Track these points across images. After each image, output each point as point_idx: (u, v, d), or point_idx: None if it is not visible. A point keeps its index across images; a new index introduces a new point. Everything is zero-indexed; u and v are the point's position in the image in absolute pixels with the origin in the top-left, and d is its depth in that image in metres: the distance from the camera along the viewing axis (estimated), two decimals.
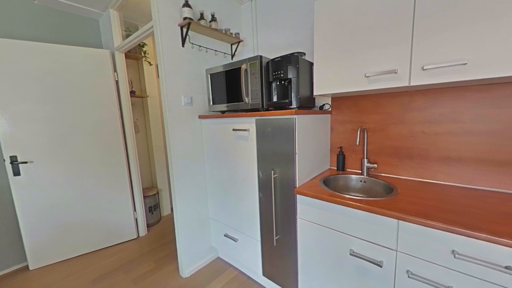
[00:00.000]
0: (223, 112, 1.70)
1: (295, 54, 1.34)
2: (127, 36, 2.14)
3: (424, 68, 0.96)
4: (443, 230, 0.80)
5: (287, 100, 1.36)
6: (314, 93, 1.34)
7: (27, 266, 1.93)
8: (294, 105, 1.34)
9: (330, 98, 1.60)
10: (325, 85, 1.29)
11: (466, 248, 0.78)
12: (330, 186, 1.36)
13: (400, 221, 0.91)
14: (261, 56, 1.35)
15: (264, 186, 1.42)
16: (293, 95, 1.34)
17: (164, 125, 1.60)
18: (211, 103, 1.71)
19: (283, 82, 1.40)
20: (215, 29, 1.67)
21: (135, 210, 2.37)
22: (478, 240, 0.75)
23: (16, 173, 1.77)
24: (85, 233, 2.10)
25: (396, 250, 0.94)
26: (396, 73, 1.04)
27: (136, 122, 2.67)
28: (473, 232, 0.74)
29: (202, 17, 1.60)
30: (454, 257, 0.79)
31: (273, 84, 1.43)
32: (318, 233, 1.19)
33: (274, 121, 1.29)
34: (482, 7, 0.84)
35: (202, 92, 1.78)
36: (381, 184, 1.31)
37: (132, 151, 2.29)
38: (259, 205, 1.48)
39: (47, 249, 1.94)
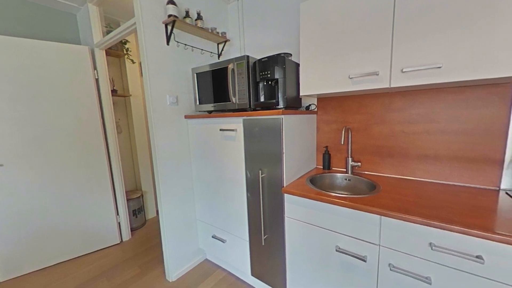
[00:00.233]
0: (210, 112, 1.68)
1: (282, 54, 1.35)
2: (108, 32, 2.05)
3: (403, 70, 1.01)
4: (421, 224, 0.85)
5: (274, 100, 1.37)
6: (301, 94, 1.36)
7: None
8: (281, 105, 1.35)
9: (316, 99, 1.64)
10: (311, 86, 1.31)
11: (442, 240, 0.83)
12: (316, 185, 1.39)
13: (382, 216, 0.95)
14: (248, 56, 1.35)
15: (252, 186, 1.42)
16: (280, 95, 1.35)
17: (149, 125, 1.56)
18: (198, 103, 1.68)
19: (270, 82, 1.41)
20: (201, 27, 1.65)
21: (118, 214, 2.27)
22: (452, 233, 0.80)
23: None
24: (63, 240, 1.98)
25: (379, 245, 0.97)
26: (377, 75, 1.08)
27: (118, 122, 2.56)
28: (448, 225, 0.79)
29: (187, 15, 1.57)
30: (431, 249, 0.84)
31: (260, 84, 1.43)
32: (305, 231, 1.21)
33: (262, 121, 1.29)
34: (454, 16, 0.89)
35: (188, 91, 1.75)
36: (364, 182, 1.36)
37: (114, 152, 2.20)
38: (247, 205, 1.48)
39: (20, 258, 1.81)
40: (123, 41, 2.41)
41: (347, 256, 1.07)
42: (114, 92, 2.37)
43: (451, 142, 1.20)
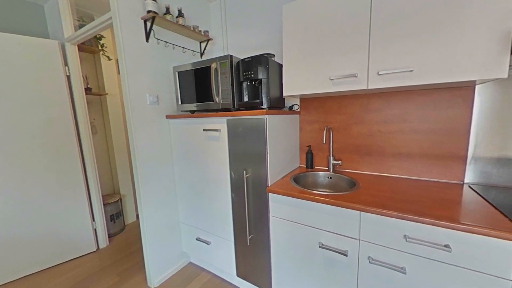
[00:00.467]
0: (192, 112, 1.64)
1: (265, 55, 1.36)
2: (80, 26, 1.92)
3: (379, 73, 1.06)
4: (397, 218, 0.90)
5: (258, 100, 1.37)
6: (284, 94, 1.38)
7: None
8: (264, 105, 1.36)
9: (299, 99, 1.67)
10: (293, 86, 1.34)
11: (415, 232, 0.89)
12: (300, 184, 1.42)
13: (362, 212, 0.99)
14: (231, 56, 1.34)
15: (236, 186, 1.41)
16: (263, 95, 1.36)
17: (127, 126, 1.48)
18: (180, 103, 1.64)
19: (253, 82, 1.42)
20: (183, 25, 1.60)
21: (93, 220, 2.14)
22: (424, 225, 0.86)
23: None
24: (30, 250, 1.82)
25: (359, 239, 1.02)
26: (356, 77, 1.13)
27: (93, 122, 2.41)
28: (420, 218, 0.85)
29: (168, 11, 1.52)
30: (406, 240, 0.90)
31: (244, 84, 1.43)
32: (289, 229, 1.23)
33: (246, 121, 1.29)
34: (423, 24, 0.96)
35: (170, 90, 1.70)
36: (345, 180, 1.41)
37: (88, 154, 2.06)
38: (232, 206, 1.47)
39: None
40: (97, 36, 2.27)
41: (330, 251, 1.11)
42: (88, 90, 2.23)
43: (422, 141, 1.29)
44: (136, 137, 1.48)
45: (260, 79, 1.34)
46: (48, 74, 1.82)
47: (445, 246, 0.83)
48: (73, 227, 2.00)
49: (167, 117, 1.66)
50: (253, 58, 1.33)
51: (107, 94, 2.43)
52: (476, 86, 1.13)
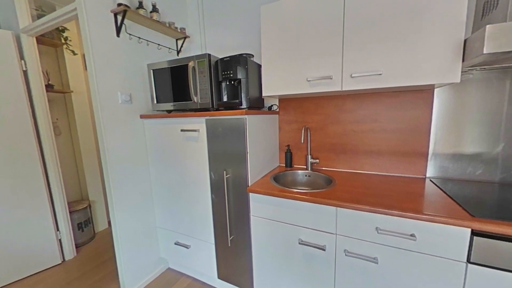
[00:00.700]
0: (169, 111, 1.58)
1: (244, 55, 1.36)
2: (39, 16, 1.74)
3: (352, 75, 1.13)
4: (369, 212, 0.96)
5: (237, 100, 1.37)
6: (263, 94, 1.40)
7: None
8: (244, 105, 1.36)
9: (278, 99, 1.70)
10: (272, 87, 1.36)
11: (385, 224, 0.96)
12: (280, 182, 1.45)
13: (338, 208, 1.04)
14: (209, 55, 1.31)
15: (216, 187, 1.39)
16: (243, 95, 1.36)
17: (97, 126, 1.38)
18: (155, 102, 1.57)
19: (232, 82, 1.41)
20: (157, 20, 1.54)
21: (58, 230, 1.95)
22: (393, 217, 0.93)
23: None
24: None
25: (336, 234, 1.07)
26: (331, 78, 1.18)
27: (56, 122, 2.20)
28: (389, 211, 0.92)
29: (141, 6, 1.45)
30: (378, 232, 0.96)
31: (223, 84, 1.42)
32: (270, 228, 1.25)
33: (225, 121, 1.28)
34: (390, 31, 1.04)
35: (144, 89, 1.61)
36: (322, 177, 1.47)
37: (51, 157, 1.87)
38: (212, 207, 1.44)
39: None
40: (60, 28, 2.07)
41: (309, 247, 1.14)
42: (49, 87, 2.02)
43: (390, 139, 1.39)
44: (106, 138, 1.38)
45: (239, 79, 1.34)
46: (0, 68, 1.62)
47: (411, 235, 0.91)
48: (33, 239, 1.81)
49: (142, 117, 1.58)
50: (232, 57, 1.32)
51: (72, 91, 2.23)
52: (435, 90, 1.25)
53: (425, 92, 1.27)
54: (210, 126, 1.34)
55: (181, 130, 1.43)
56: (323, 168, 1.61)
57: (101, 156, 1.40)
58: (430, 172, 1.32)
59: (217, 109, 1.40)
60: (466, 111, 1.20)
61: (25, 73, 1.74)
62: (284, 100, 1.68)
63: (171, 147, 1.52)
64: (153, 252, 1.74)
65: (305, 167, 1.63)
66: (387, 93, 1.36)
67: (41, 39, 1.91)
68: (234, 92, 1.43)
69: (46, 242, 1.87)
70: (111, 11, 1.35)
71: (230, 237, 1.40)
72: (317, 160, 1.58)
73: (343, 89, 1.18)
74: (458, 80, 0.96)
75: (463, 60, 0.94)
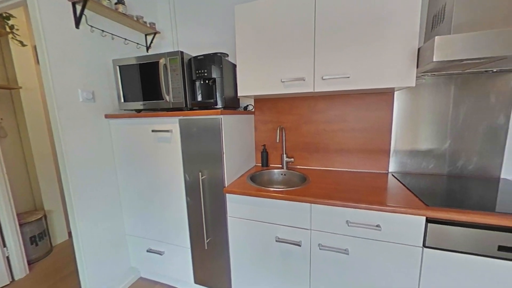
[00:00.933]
0: (138, 111, 1.48)
1: (219, 54, 1.34)
2: None
3: (323, 78, 1.18)
4: (340, 206, 1.02)
5: (212, 100, 1.34)
6: (238, 94, 1.39)
7: None
8: (219, 105, 1.34)
9: (253, 100, 1.71)
10: (248, 87, 1.36)
11: (354, 217, 1.02)
12: (256, 182, 1.46)
13: (312, 204, 1.09)
14: (182, 52, 1.27)
15: (192, 189, 1.35)
16: (218, 95, 1.34)
17: (52, 127, 1.23)
18: (122, 100, 1.46)
19: (207, 81, 1.38)
20: (123, 13, 1.43)
21: (4, 246, 1.70)
22: (361, 210, 1.00)
23: None
24: None
25: (310, 229, 1.12)
26: (304, 80, 1.23)
27: (0, 122, 1.91)
28: (358, 204, 0.99)
29: None
30: (348, 225, 1.03)
31: (197, 83, 1.38)
32: (247, 228, 1.25)
33: (200, 121, 1.25)
34: (357, 37, 1.12)
35: (110, 86, 1.49)
36: (297, 175, 1.52)
37: None
38: (187, 210, 1.39)
39: None
40: (4, 15, 1.81)
41: (286, 244, 1.17)
42: None
43: (358, 138, 1.50)
44: (65, 140, 1.25)
45: (214, 78, 1.32)
46: None
47: (377, 226, 0.99)
48: None
49: (107, 116, 1.46)
50: (206, 56, 1.29)
51: (20, 88, 1.96)
52: (395, 92, 1.38)
53: (387, 95, 1.40)
54: (184, 126, 1.29)
55: (153, 131, 1.35)
56: (298, 167, 1.67)
57: (59, 160, 1.26)
58: (392, 167, 1.45)
59: (191, 109, 1.35)
60: (420, 112, 1.35)
61: None
62: (260, 100, 1.70)
63: (142, 149, 1.43)
64: (123, 262, 1.62)
65: (281, 166, 1.67)
66: (355, 95, 1.46)
67: None
68: (209, 92, 1.40)
69: None
70: (69, 0, 1.23)
71: (206, 239, 1.37)
72: (292, 159, 1.63)
73: (315, 91, 1.23)
74: (414, 84, 1.07)
75: (417, 67, 1.05)
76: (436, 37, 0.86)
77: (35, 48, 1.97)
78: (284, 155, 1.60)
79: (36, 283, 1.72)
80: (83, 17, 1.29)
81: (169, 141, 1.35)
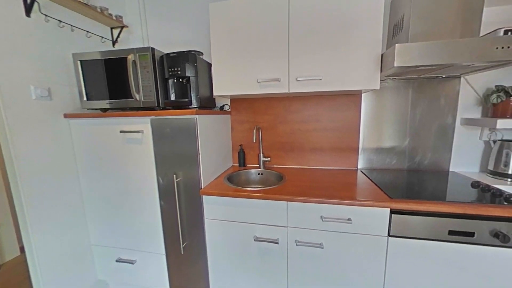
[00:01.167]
0: (104, 110, 1.37)
1: (193, 52, 1.30)
2: None
3: (298, 79, 1.22)
4: (315, 203, 1.07)
5: (186, 99, 1.30)
6: (214, 94, 1.37)
7: None
8: (194, 104, 1.30)
9: (229, 99, 1.70)
10: (223, 87, 1.34)
11: (328, 212, 1.08)
12: (233, 182, 1.45)
13: (288, 202, 1.12)
14: (153, 48, 1.20)
15: (166, 193, 1.29)
16: (192, 94, 1.30)
17: None
18: (85, 99, 1.33)
19: (181, 80, 1.33)
20: (84, 3, 1.31)
21: None
22: (334, 205, 1.06)
23: None
24: None
25: (287, 227, 1.14)
26: (279, 81, 1.26)
27: None
28: (331, 200, 1.04)
29: None
30: (322, 221, 1.08)
31: (170, 81, 1.32)
32: (225, 229, 1.24)
33: (174, 121, 1.20)
34: (327, 41, 1.17)
35: (69, 83, 1.35)
36: (274, 174, 1.55)
37: None
38: (161, 215, 1.33)
39: None
40: None
41: (264, 242, 1.18)
42: None
43: (330, 137, 1.58)
44: (15, 144, 1.10)
45: (188, 77, 1.28)
46: None
47: (348, 219, 1.05)
48: None
49: (66, 116, 1.32)
50: (179, 54, 1.25)
51: None
52: (362, 94, 1.49)
53: (355, 96, 1.49)
54: (156, 126, 1.22)
55: (121, 132, 1.26)
56: (275, 166, 1.70)
57: (7, 165, 1.11)
58: (361, 164, 1.56)
59: (164, 108, 1.29)
60: (384, 112, 1.47)
61: None
62: (236, 100, 1.69)
63: (109, 151, 1.33)
64: (88, 275, 1.48)
65: (258, 165, 1.69)
66: (327, 96, 1.54)
67: None
68: (183, 91, 1.35)
69: None
70: None
71: (182, 244, 1.32)
72: (269, 158, 1.65)
73: (290, 91, 1.26)
74: (378, 87, 1.16)
75: (381, 71, 1.15)
76: (396, 44, 0.94)
77: None
78: (261, 154, 1.62)
79: None
80: (35, 4, 1.15)
81: (140, 142, 1.27)
